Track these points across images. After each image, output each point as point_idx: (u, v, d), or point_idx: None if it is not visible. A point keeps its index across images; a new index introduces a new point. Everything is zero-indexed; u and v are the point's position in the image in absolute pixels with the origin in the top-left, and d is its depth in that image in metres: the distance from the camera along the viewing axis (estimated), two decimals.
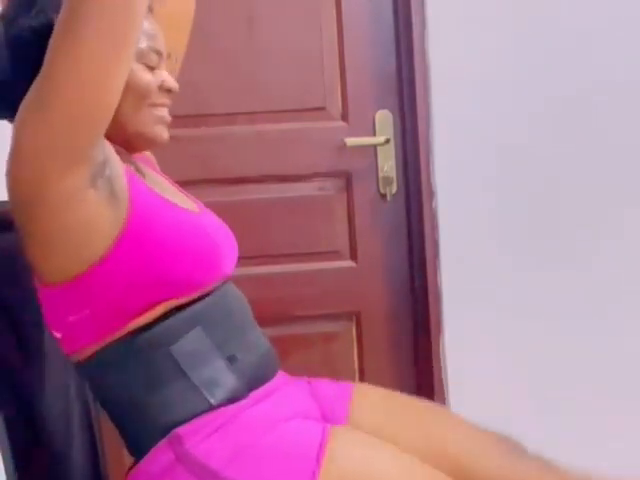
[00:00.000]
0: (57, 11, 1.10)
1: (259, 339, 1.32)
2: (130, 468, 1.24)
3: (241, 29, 2.26)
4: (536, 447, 1.36)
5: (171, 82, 1.27)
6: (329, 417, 1.34)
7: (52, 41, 1.08)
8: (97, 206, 1.13)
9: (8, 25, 1.21)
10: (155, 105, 1.26)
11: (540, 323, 2.28)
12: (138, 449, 1.22)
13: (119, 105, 1.13)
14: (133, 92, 1.21)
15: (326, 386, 1.41)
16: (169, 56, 1.30)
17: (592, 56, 2.25)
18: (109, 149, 1.17)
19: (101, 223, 1.14)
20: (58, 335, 1.22)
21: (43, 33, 1.15)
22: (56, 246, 1.14)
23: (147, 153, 1.46)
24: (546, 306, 2.29)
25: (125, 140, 1.25)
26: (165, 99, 1.28)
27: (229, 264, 1.30)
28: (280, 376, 1.33)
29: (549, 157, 2.27)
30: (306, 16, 2.28)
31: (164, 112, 1.28)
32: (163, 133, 1.28)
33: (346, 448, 1.20)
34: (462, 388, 2.27)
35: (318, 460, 1.15)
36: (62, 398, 1.35)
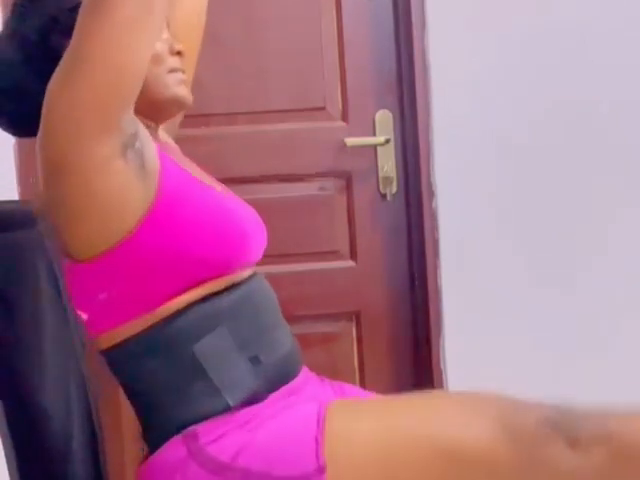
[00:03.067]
0: (59, 6, 1.16)
1: (284, 337, 1.30)
2: (144, 459, 1.24)
3: (241, 29, 2.26)
4: None
5: (178, 45, 1.29)
6: None
7: (82, 9, 1.10)
8: (127, 177, 1.13)
9: (12, 34, 1.25)
10: (173, 70, 1.28)
11: (540, 323, 2.28)
12: (153, 441, 1.22)
13: (146, 76, 1.15)
14: (151, 62, 1.21)
15: (353, 390, 1.40)
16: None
17: (592, 56, 2.25)
18: (139, 124, 1.18)
19: (131, 195, 1.14)
20: (84, 316, 1.22)
21: (47, 31, 1.20)
22: (85, 217, 1.14)
23: (172, 142, 1.47)
24: (546, 305, 2.28)
25: (155, 109, 1.27)
26: (178, 62, 1.30)
27: (257, 248, 1.30)
28: (303, 374, 1.32)
29: (549, 157, 2.27)
30: (306, 16, 2.28)
31: (181, 75, 1.30)
32: (187, 94, 1.31)
33: (344, 412, 1.20)
34: (462, 388, 2.26)
35: (319, 425, 1.15)
36: (62, 396, 1.35)
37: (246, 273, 1.27)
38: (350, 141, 2.28)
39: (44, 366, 1.32)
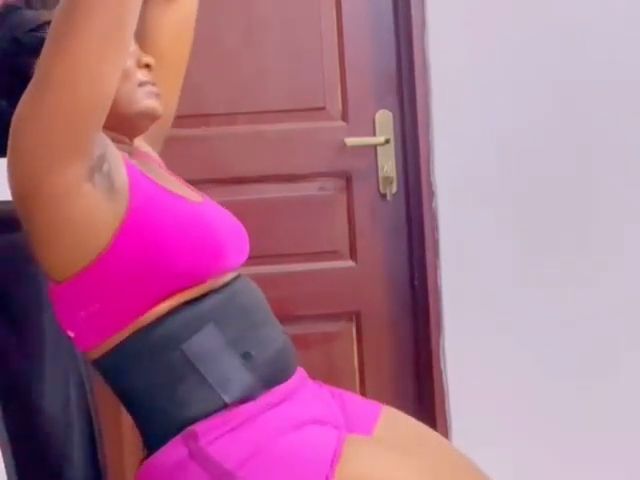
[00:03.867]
0: (20, 27, 1.18)
1: (275, 334, 1.30)
2: (142, 461, 1.24)
3: (241, 29, 2.26)
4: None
5: (145, 58, 1.29)
6: (354, 429, 1.32)
7: (48, 38, 1.10)
8: (95, 200, 1.14)
9: None
10: (142, 84, 1.28)
11: (540, 322, 2.28)
12: (152, 442, 1.22)
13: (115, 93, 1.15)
14: (120, 78, 1.21)
15: (353, 399, 1.40)
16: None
17: (593, 56, 2.25)
18: (107, 143, 1.18)
19: (100, 216, 1.15)
20: (71, 334, 1.22)
21: (11, 54, 1.22)
22: (57, 240, 1.15)
23: (153, 153, 1.47)
24: (547, 306, 2.28)
25: (126, 124, 1.27)
26: (146, 75, 1.29)
27: (236, 256, 1.30)
28: (299, 375, 1.32)
29: (549, 157, 2.27)
30: (306, 16, 2.28)
31: (152, 87, 1.29)
32: (157, 105, 1.30)
33: (360, 455, 1.19)
34: (462, 388, 2.27)
35: (332, 465, 1.15)
36: (61, 396, 1.36)
37: (226, 278, 1.27)
38: (350, 141, 2.28)
39: (43, 367, 1.32)
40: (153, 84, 1.30)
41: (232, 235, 1.31)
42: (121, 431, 2.08)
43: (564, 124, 2.26)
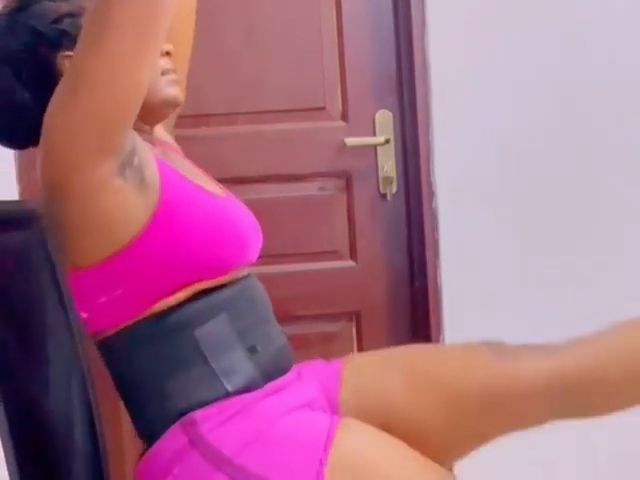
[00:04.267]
0: (40, 19, 1.19)
1: (277, 333, 1.33)
2: (143, 452, 1.24)
3: (241, 29, 2.26)
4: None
5: (166, 45, 1.29)
6: (329, 399, 1.34)
7: (81, 35, 1.10)
8: (126, 194, 1.15)
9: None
10: (164, 72, 1.28)
11: (540, 322, 2.28)
12: (150, 432, 1.23)
13: None
14: None
15: (323, 367, 1.41)
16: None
17: (593, 56, 2.25)
18: (135, 135, 1.19)
19: (130, 210, 1.16)
20: (84, 315, 1.23)
21: (34, 46, 1.21)
22: (86, 232, 1.16)
23: (172, 141, 1.48)
24: (547, 306, 2.28)
25: (149, 113, 1.26)
26: (168, 63, 1.29)
27: (254, 250, 1.32)
28: (293, 371, 1.34)
29: (550, 157, 2.27)
30: (306, 16, 2.28)
31: (173, 75, 1.30)
32: (179, 93, 1.30)
33: (353, 439, 1.21)
34: None
35: (326, 449, 1.17)
36: (64, 396, 1.36)
37: (243, 273, 1.29)
38: (350, 141, 2.28)
39: (45, 366, 1.32)
40: (174, 71, 1.30)
41: (252, 230, 1.34)
42: (122, 430, 2.08)
43: (564, 124, 2.26)
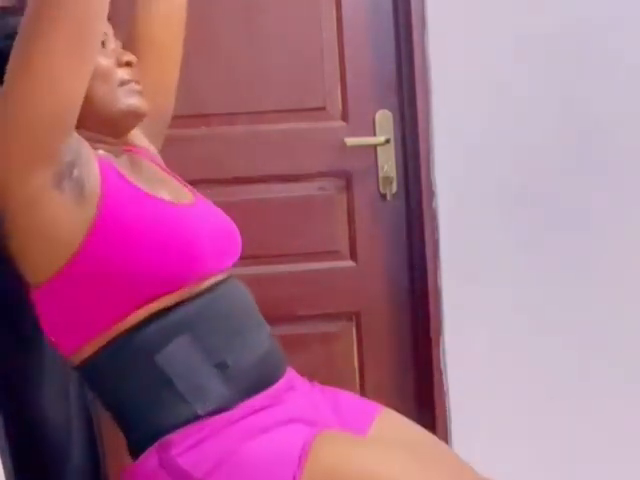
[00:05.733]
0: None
1: (260, 339, 1.29)
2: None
3: (241, 29, 2.26)
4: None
5: (126, 55, 1.28)
6: (348, 427, 1.31)
7: (12, 50, 1.09)
8: (63, 206, 1.14)
9: None
10: (123, 83, 1.26)
11: (540, 323, 2.28)
12: (134, 451, 1.23)
13: (94, 95, 1.17)
14: (98, 79, 1.21)
15: (349, 398, 1.40)
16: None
17: (593, 55, 2.25)
18: (80, 147, 1.17)
19: (68, 223, 1.14)
20: (52, 339, 1.23)
21: None
22: (29, 244, 1.15)
23: (150, 148, 1.46)
24: (547, 306, 2.28)
25: (111, 125, 1.26)
26: (128, 73, 1.28)
27: (218, 261, 1.28)
28: (288, 377, 1.31)
29: (550, 156, 2.27)
30: (306, 16, 2.28)
31: (134, 85, 1.28)
32: (140, 103, 1.28)
33: (331, 451, 1.18)
34: (461, 388, 2.27)
35: (300, 463, 1.15)
36: (62, 398, 1.36)
37: (206, 284, 1.24)
38: (350, 141, 2.28)
39: (43, 369, 1.32)
40: (136, 82, 1.28)
41: (216, 239, 1.28)
42: (121, 434, 2.08)
43: (565, 123, 2.26)
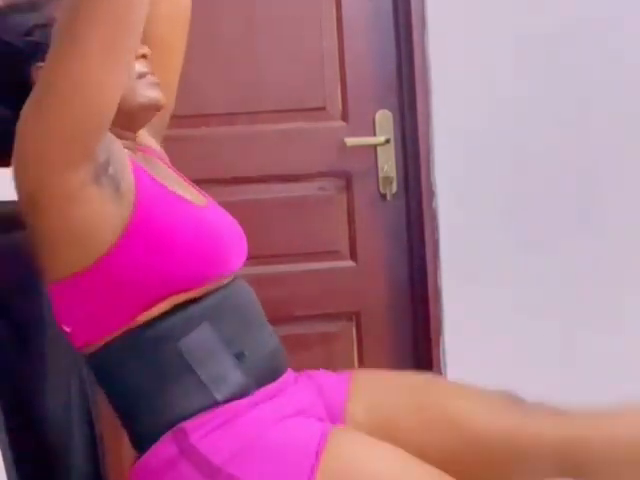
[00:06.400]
0: (11, 31, 1.20)
1: (268, 336, 1.32)
2: (134, 462, 1.24)
3: (241, 29, 2.26)
4: None
5: (142, 49, 1.28)
6: (330, 409, 1.34)
7: (52, 46, 1.09)
8: (101, 203, 1.14)
9: None
10: (140, 75, 1.27)
11: (540, 323, 2.28)
12: (142, 443, 1.22)
13: None
14: None
15: (326, 377, 1.41)
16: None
17: (593, 54, 2.25)
18: (112, 144, 1.18)
19: (105, 219, 1.15)
20: (67, 329, 1.22)
21: (7, 59, 1.21)
22: (61, 242, 1.15)
23: (156, 146, 1.47)
24: (547, 306, 2.28)
25: (129, 118, 1.26)
26: (144, 66, 1.28)
27: (236, 259, 1.30)
28: (288, 375, 1.33)
29: (550, 156, 2.27)
30: (306, 16, 2.28)
31: (150, 78, 1.29)
32: (159, 95, 1.29)
33: (345, 445, 1.20)
34: None
35: (317, 456, 1.16)
36: (63, 397, 1.36)
37: (225, 281, 1.27)
38: (350, 141, 2.28)
39: (44, 367, 1.32)
40: (152, 74, 1.29)
41: (234, 239, 1.32)
42: (121, 431, 2.08)
43: (566, 123, 2.26)
